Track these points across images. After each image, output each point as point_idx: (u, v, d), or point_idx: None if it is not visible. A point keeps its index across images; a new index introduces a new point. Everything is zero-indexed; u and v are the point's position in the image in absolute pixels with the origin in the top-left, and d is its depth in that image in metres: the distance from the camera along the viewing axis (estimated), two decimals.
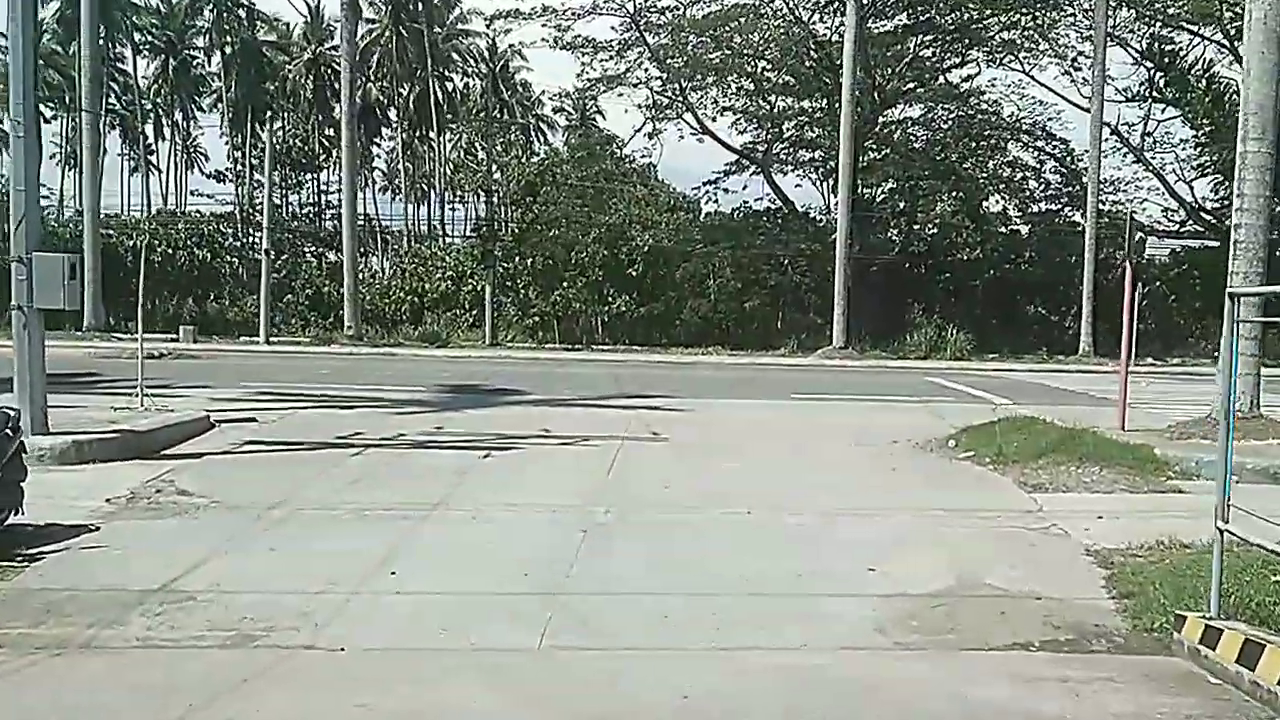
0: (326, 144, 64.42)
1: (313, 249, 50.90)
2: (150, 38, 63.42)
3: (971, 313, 35.51)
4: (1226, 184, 36.33)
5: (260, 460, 10.36)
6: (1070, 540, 7.36)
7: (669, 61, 37.41)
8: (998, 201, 38.82)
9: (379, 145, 71.55)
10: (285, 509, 8.06)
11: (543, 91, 56.14)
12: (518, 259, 38.30)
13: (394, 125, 67.71)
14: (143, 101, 69.98)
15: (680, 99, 37.99)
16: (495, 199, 41.43)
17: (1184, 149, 37.90)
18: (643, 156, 41.09)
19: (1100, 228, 32.92)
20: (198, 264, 44.95)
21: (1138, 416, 12.68)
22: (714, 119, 39.34)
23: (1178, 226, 38.56)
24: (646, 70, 38.04)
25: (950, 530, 7.65)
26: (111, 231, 44.21)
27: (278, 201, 56.86)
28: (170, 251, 44.87)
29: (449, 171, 61.56)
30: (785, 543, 7.32)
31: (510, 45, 58.63)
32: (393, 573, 6.43)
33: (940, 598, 6.03)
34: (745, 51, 37.41)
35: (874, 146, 37.94)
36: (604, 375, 21.56)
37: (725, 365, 27.69)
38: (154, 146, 72.89)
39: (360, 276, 48.48)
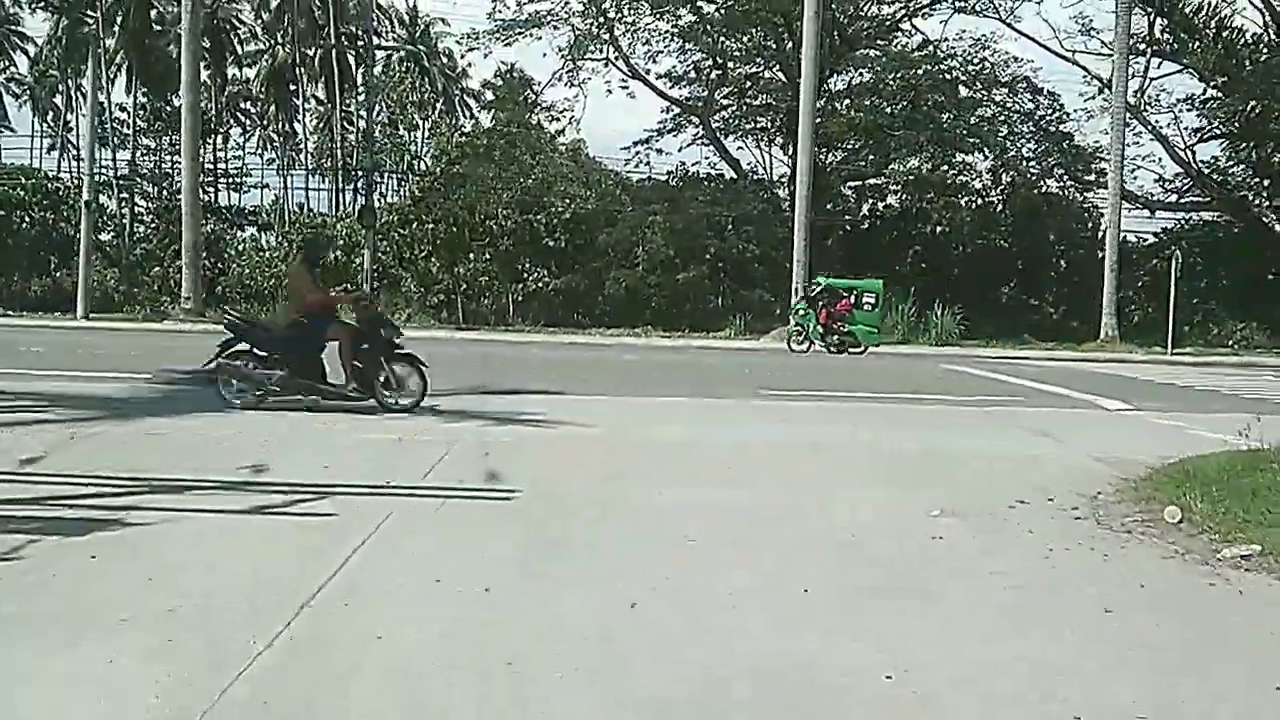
0: (238, 113, 60.56)
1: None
2: None
3: (944, 291, 29.96)
4: (1244, 147, 31.32)
5: None
6: None
7: None
8: (984, 159, 33.42)
9: (300, 122, 65.33)
10: None
11: (458, 42, 48.30)
12: (415, 224, 32.05)
13: (304, 94, 61.37)
14: (51, 71, 62.32)
15: (606, 31, 31.79)
16: (377, 144, 34.94)
17: (1182, 109, 32.87)
18: (564, 109, 35.01)
19: (1089, 201, 28.07)
20: (37, 228, 38.78)
21: None
22: (647, 69, 33.44)
23: (1176, 196, 33.47)
24: (568, 5, 31.90)
25: None
26: None
27: (167, 169, 51.47)
28: (2, 214, 38.66)
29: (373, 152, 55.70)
30: None
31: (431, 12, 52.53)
32: None
33: None
34: None
35: (825, 111, 32.06)
36: (473, 357, 15.56)
37: (655, 348, 21.76)
38: (69, 122, 65.69)
39: (240, 249, 42.41)
